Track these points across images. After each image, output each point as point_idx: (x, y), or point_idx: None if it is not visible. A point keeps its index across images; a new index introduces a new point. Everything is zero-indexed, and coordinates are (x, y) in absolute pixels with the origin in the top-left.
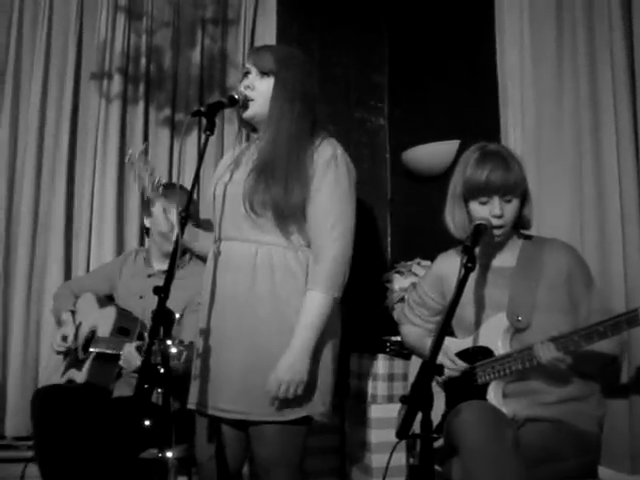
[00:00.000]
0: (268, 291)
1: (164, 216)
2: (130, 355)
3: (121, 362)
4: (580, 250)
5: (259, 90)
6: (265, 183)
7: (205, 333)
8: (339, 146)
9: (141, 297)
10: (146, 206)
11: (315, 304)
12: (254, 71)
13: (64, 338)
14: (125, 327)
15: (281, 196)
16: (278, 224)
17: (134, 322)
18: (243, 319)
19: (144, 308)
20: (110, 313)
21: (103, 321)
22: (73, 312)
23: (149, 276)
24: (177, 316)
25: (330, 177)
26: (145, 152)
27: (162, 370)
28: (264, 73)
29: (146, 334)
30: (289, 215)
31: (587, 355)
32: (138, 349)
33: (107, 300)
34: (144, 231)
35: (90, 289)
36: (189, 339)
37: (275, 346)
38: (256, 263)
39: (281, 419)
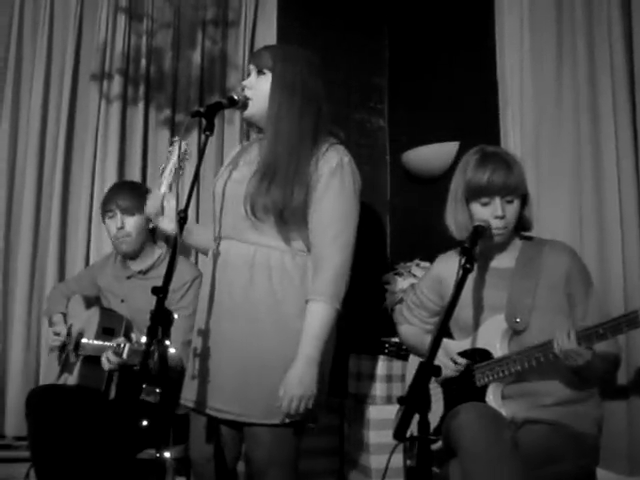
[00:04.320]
0: (265, 292)
1: (160, 202)
2: (107, 361)
3: (102, 365)
4: (579, 251)
5: (257, 89)
6: (267, 186)
7: (204, 333)
8: (346, 154)
9: (122, 301)
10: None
11: (319, 316)
12: (253, 71)
13: (57, 334)
14: (110, 327)
15: (282, 200)
16: (279, 229)
17: (118, 321)
18: (239, 320)
19: (127, 311)
20: (94, 314)
21: (89, 323)
22: (64, 314)
23: (128, 278)
24: (175, 316)
25: (335, 186)
26: (185, 152)
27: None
28: (261, 71)
29: (133, 334)
30: (289, 220)
31: (595, 357)
32: (116, 353)
33: (94, 301)
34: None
35: (78, 293)
36: (179, 338)
37: (272, 348)
38: (254, 263)
39: (274, 422)
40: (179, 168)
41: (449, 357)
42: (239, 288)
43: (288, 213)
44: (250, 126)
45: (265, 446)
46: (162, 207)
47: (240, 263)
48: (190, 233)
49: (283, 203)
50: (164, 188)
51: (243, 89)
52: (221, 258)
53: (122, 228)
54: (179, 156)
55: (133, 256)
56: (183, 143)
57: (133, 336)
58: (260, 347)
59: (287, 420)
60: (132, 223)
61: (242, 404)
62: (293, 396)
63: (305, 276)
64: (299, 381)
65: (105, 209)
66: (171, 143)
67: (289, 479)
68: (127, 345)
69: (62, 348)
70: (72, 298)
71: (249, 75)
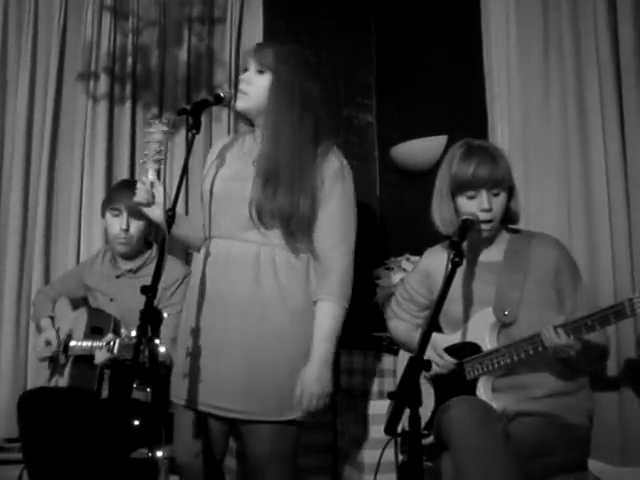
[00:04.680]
0: (273, 289)
1: (150, 191)
2: (100, 355)
3: (95, 361)
4: (568, 243)
5: (255, 85)
6: (273, 193)
7: (196, 332)
8: (343, 156)
9: (111, 300)
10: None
11: (329, 315)
12: (253, 67)
13: (48, 342)
14: (98, 326)
15: (289, 208)
16: (283, 231)
17: (107, 320)
18: (247, 319)
19: (116, 310)
20: (82, 315)
21: (77, 324)
22: (52, 318)
23: (117, 277)
24: (165, 315)
25: (338, 191)
26: (172, 126)
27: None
28: (261, 70)
29: (122, 330)
30: (296, 225)
31: (584, 347)
32: (109, 350)
33: (80, 302)
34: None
35: (65, 294)
36: (168, 335)
37: (280, 345)
38: (259, 262)
39: (281, 419)
40: (161, 151)
41: (437, 354)
42: (245, 287)
43: (295, 220)
44: (240, 118)
45: (267, 442)
46: (152, 195)
47: (244, 262)
48: (178, 225)
49: (290, 211)
50: (151, 176)
51: (235, 84)
52: (218, 258)
53: (127, 230)
54: (160, 140)
55: (128, 257)
56: (162, 124)
57: (122, 331)
58: (268, 344)
59: (303, 417)
60: (137, 226)
61: (249, 402)
62: (312, 393)
63: (309, 273)
64: (317, 379)
65: (110, 206)
66: (149, 124)
67: (289, 475)
68: (117, 340)
69: (52, 358)
70: (58, 300)
71: (246, 70)
